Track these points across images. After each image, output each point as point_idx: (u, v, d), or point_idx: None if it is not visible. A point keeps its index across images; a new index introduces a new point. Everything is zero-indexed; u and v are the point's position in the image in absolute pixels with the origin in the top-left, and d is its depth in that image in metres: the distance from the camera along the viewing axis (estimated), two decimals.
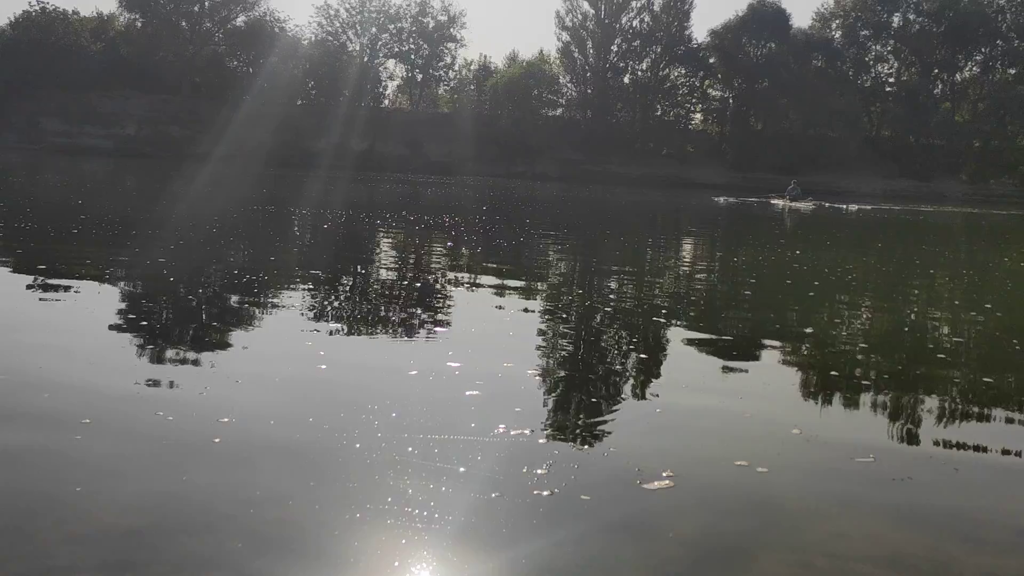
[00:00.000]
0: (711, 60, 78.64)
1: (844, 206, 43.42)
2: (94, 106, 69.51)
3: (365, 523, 3.67)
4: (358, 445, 4.53)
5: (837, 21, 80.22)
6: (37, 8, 74.49)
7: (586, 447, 4.75)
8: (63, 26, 74.35)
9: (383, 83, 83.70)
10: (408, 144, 72.23)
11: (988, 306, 11.30)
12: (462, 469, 4.29)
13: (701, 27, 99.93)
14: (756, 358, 7.57)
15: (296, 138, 67.18)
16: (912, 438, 5.33)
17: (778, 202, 43.50)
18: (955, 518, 4.09)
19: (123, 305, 8.55)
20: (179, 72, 73.75)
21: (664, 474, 4.31)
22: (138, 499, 3.77)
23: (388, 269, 12.79)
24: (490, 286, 11.16)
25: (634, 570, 3.43)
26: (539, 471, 4.28)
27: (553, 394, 5.91)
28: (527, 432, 4.86)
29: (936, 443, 5.20)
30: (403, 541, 3.54)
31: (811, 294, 11.67)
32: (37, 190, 26.53)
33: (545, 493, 4.03)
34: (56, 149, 63.35)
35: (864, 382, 6.69)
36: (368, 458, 4.36)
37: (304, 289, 10.05)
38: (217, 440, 4.54)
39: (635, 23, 78.57)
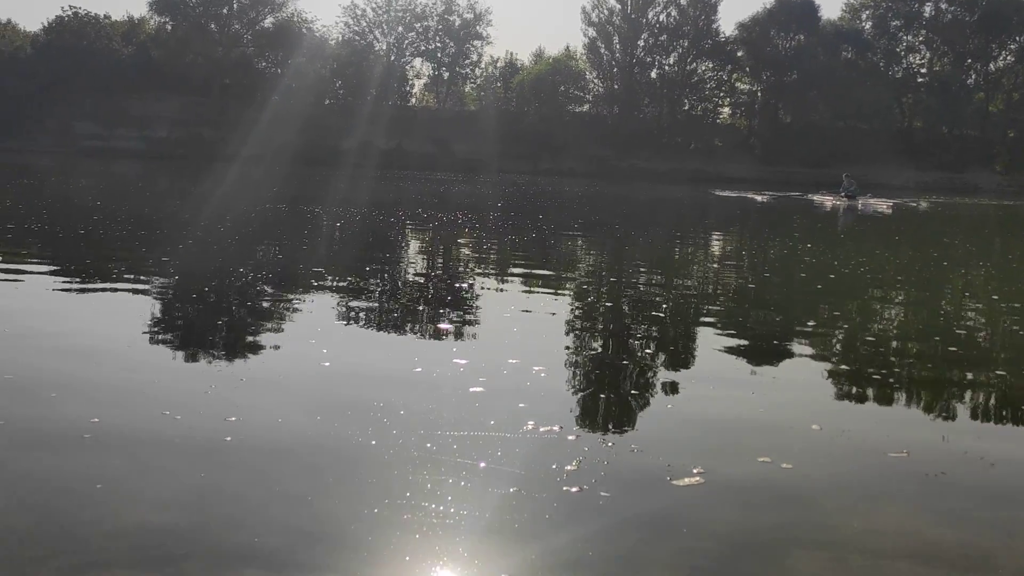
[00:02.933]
0: (739, 53, 77.95)
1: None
2: (126, 109, 70.45)
3: (389, 519, 3.66)
4: (374, 442, 4.51)
5: (867, 12, 79.14)
6: (70, 13, 75.73)
7: (612, 443, 4.72)
8: (95, 30, 75.48)
9: (410, 81, 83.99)
10: (435, 142, 72.38)
11: (995, 298, 11.14)
12: (482, 465, 4.27)
13: (728, 20, 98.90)
14: (773, 354, 7.47)
15: (323, 137, 67.60)
16: (945, 434, 5.23)
17: (828, 199, 37.36)
18: (991, 514, 4.01)
19: (127, 305, 8.60)
20: (209, 74, 74.48)
21: (695, 470, 4.27)
22: (164, 497, 3.80)
23: (395, 267, 12.81)
24: (498, 282, 11.18)
25: (667, 566, 3.40)
26: (568, 467, 4.26)
27: (574, 390, 5.88)
28: (555, 428, 4.83)
29: (970, 439, 5.10)
30: (431, 537, 3.53)
31: (819, 287, 11.57)
32: (58, 192, 26.94)
33: (574, 489, 4.00)
34: (89, 152, 64.30)
35: (877, 377, 6.60)
36: (385, 454, 4.36)
37: (308, 287, 10.09)
38: (228, 439, 4.55)
39: (662, 17, 78.14)
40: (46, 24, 75.82)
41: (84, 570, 3.20)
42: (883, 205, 35.08)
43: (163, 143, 69.03)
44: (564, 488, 4.01)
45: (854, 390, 6.18)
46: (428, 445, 4.49)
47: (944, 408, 5.82)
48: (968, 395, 6.16)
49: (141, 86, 71.19)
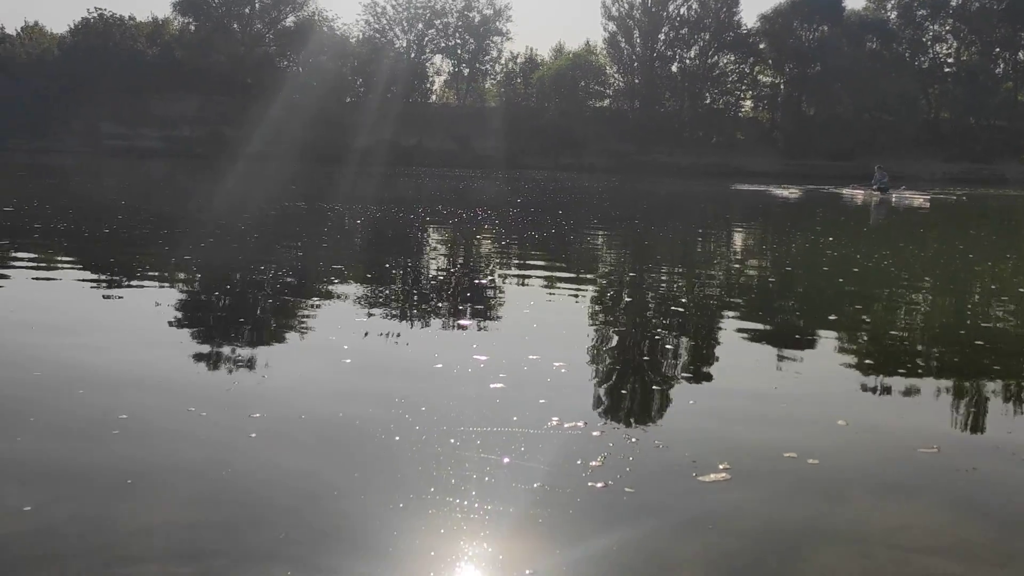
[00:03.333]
0: (761, 45, 77.45)
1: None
2: (150, 108, 71.33)
3: (413, 515, 3.67)
4: (397, 438, 4.51)
5: (892, 1, 78.29)
6: (95, 15, 76.67)
7: (636, 439, 4.69)
8: (120, 31, 76.42)
9: (430, 78, 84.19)
10: (455, 139, 72.55)
11: (1022, 291, 10.98)
12: (506, 460, 4.26)
13: (751, 12, 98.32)
14: (796, 348, 7.37)
15: (343, 135, 67.97)
16: (975, 429, 5.17)
17: (859, 193, 35.68)
18: (1022, 510, 3.96)
19: (151, 302, 8.64)
20: (231, 73, 75.09)
21: (720, 466, 4.24)
22: (191, 493, 3.82)
23: (415, 263, 12.80)
24: (518, 278, 11.16)
25: (693, 562, 3.38)
26: (593, 463, 4.24)
27: (596, 386, 5.85)
28: (579, 424, 4.81)
29: (1001, 434, 5.03)
30: (456, 533, 3.53)
31: (841, 280, 11.42)
32: (83, 192, 27.28)
33: (599, 485, 3.98)
34: (113, 152, 65.08)
35: (903, 372, 6.52)
36: (408, 450, 4.35)
37: (328, 284, 10.11)
38: (253, 435, 4.56)
39: (682, 10, 77.80)
40: (72, 26, 76.87)
41: (113, 565, 3.23)
42: (919, 198, 32.61)
43: (185, 142, 69.81)
44: (589, 484, 3.99)
45: (880, 385, 6.10)
46: (451, 441, 4.49)
47: (974, 403, 5.74)
48: (998, 389, 6.07)
49: (164, 86, 72.01)
